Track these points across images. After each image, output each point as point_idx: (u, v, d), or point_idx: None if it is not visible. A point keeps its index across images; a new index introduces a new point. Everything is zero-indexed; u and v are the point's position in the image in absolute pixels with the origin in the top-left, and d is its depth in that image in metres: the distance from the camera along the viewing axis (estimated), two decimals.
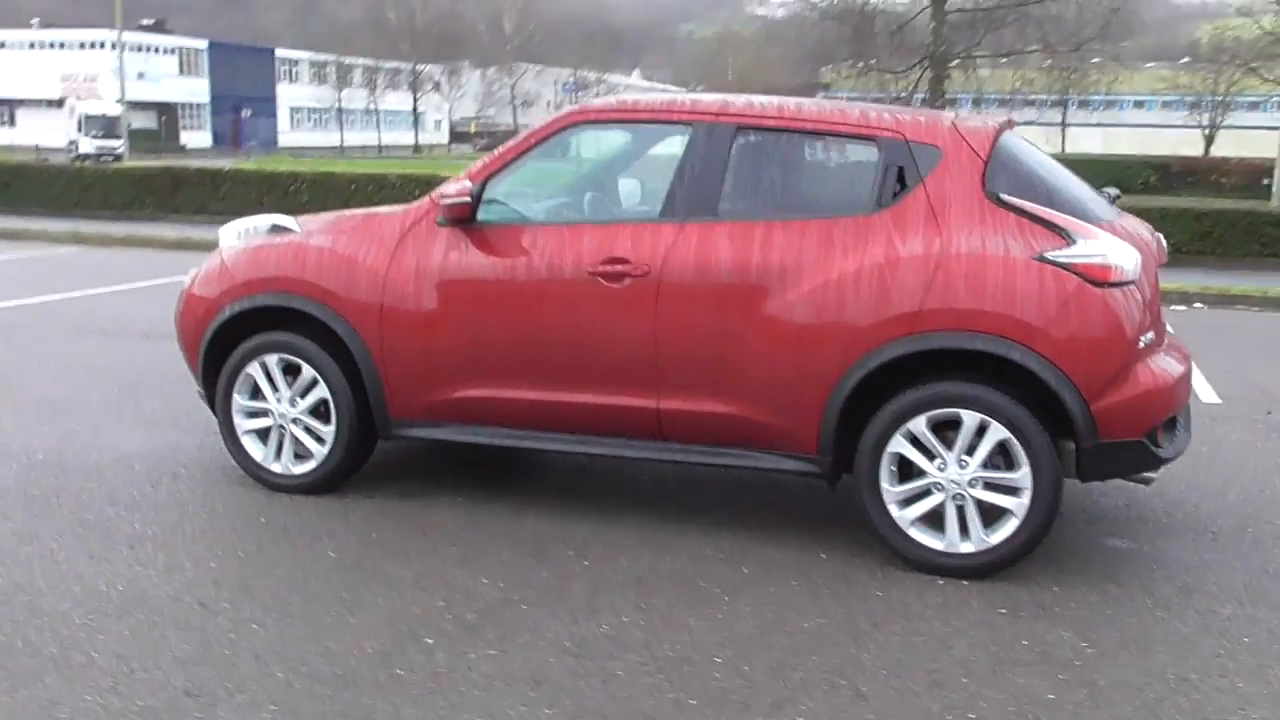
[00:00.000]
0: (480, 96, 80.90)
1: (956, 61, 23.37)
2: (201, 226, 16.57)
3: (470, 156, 59.42)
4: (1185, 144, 43.32)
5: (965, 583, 4.10)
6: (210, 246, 5.62)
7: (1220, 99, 45.06)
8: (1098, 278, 3.97)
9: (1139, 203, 15.05)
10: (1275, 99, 48.52)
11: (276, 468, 4.98)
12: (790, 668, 3.42)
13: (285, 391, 4.90)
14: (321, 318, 4.76)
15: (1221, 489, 5.25)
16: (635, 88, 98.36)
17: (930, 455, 4.13)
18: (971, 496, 4.10)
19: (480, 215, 4.59)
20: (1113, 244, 4.04)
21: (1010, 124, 4.64)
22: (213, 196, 18.76)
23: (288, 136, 70.25)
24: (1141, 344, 4.06)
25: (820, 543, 4.47)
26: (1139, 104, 53.83)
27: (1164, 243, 4.62)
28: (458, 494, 4.98)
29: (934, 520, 4.17)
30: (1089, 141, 46.86)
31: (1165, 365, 4.17)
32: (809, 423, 4.23)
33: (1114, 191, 4.78)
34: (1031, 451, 4.00)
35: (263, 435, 5.00)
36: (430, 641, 3.55)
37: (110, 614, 3.70)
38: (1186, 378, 4.28)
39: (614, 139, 4.96)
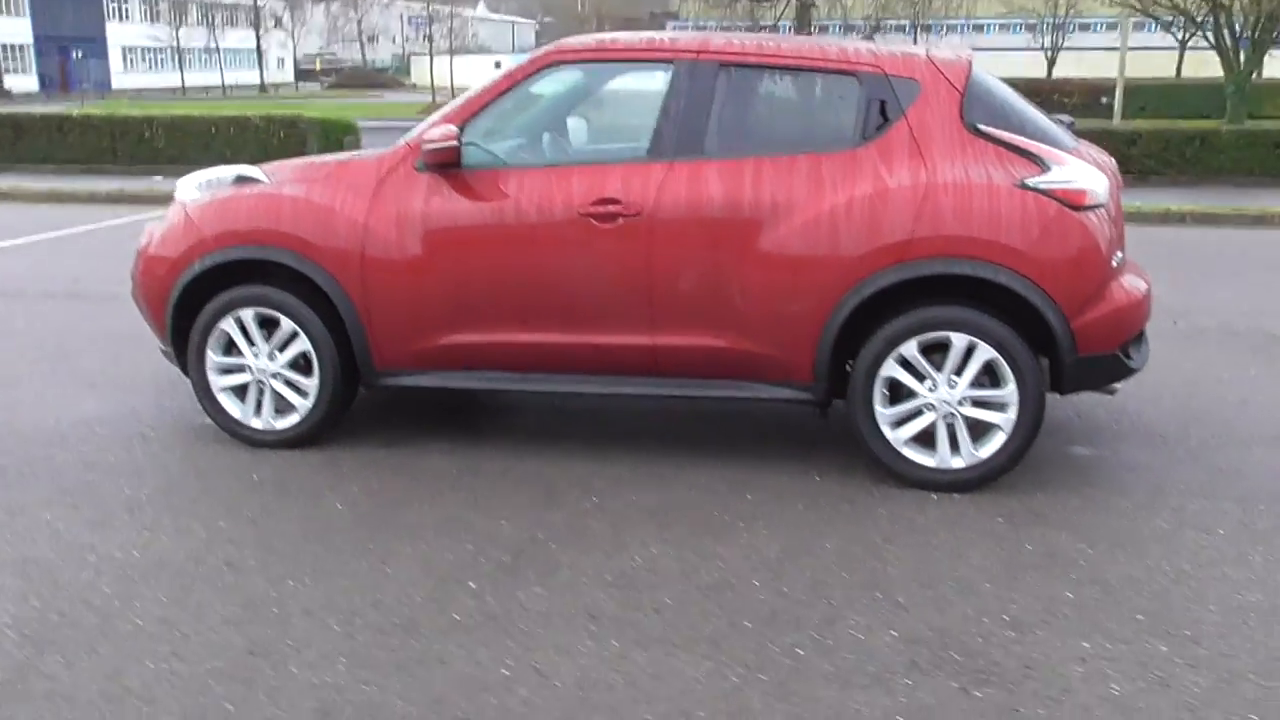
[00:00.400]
0: (325, 32, 78.24)
1: None
2: (54, 178, 15.78)
3: (318, 95, 57.77)
4: (1030, 66, 44.84)
5: (957, 496, 4.34)
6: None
7: (1056, 21, 46.73)
8: (1075, 202, 4.21)
9: None
10: (1103, 21, 50.54)
11: (257, 423, 4.91)
12: (826, 585, 3.60)
13: (263, 346, 4.83)
14: (300, 269, 4.69)
15: (1155, 396, 5.63)
16: (486, 19, 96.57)
17: (920, 377, 4.34)
18: (961, 415, 4.33)
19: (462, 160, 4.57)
20: (1084, 169, 4.28)
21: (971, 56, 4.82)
22: (60, 145, 17.70)
23: (122, 78, 66.55)
24: (1114, 263, 4.33)
25: (811, 467, 4.66)
26: (978, 28, 55.26)
27: (1116, 167, 4.89)
28: (444, 441, 5.00)
29: (925, 439, 4.39)
30: None
31: (1134, 283, 4.45)
32: (803, 352, 4.39)
33: (1069, 119, 5.02)
34: (1017, 369, 4.24)
35: (239, 391, 4.92)
36: (474, 585, 3.61)
37: (137, 580, 3.65)
38: (1149, 294, 4.57)
39: (592, 78, 4.96)
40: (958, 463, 4.37)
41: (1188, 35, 30.82)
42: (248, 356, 4.86)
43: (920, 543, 3.94)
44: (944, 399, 4.32)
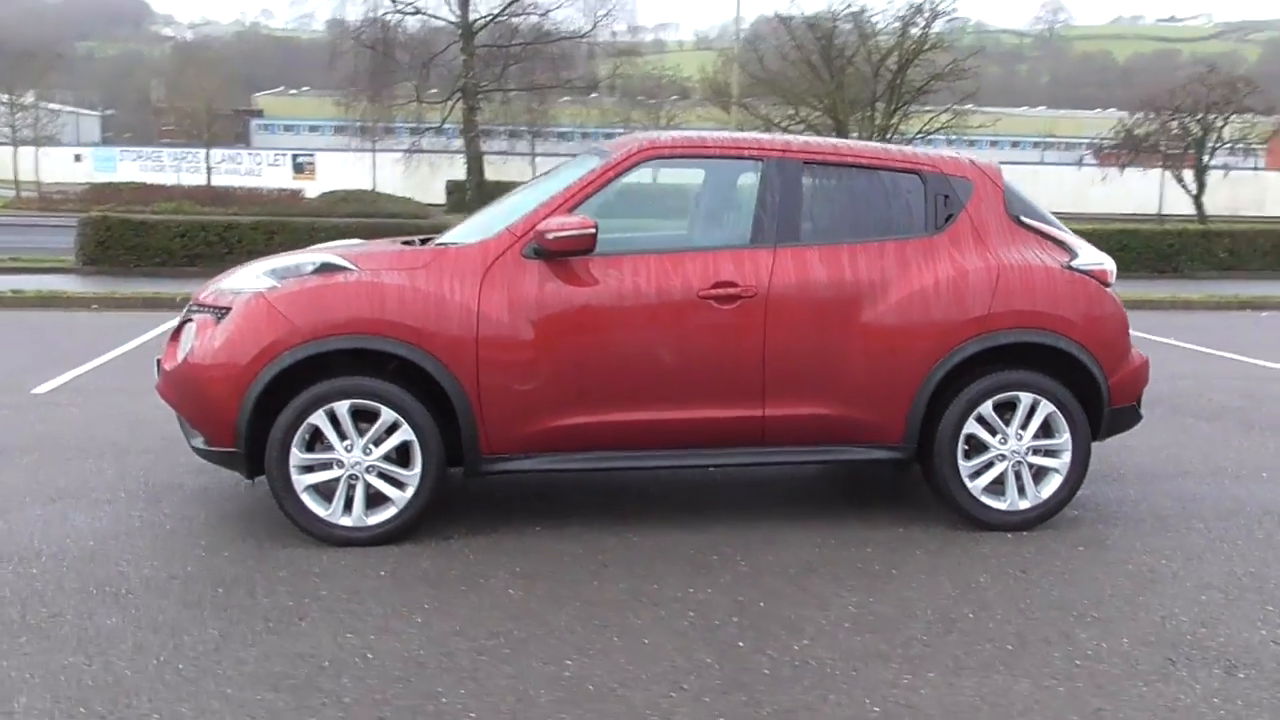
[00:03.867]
0: None
1: (484, 94, 24.57)
2: None
3: None
4: None
5: (1009, 535, 5.00)
6: None
7: (627, 130, 50.74)
8: (1104, 280, 5.11)
9: None
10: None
11: (346, 521, 4.70)
12: (1020, 614, 4.12)
13: (357, 439, 4.66)
14: (410, 357, 4.61)
15: None
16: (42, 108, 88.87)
17: (993, 432, 5.01)
18: (1027, 463, 5.04)
19: None
20: (1099, 252, 5.19)
21: None
22: None
23: None
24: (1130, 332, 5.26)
25: (893, 520, 5.17)
26: (586, 135, 58.66)
27: None
28: (542, 521, 5.02)
29: (995, 486, 5.05)
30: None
31: (1138, 349, 5.40)
32: (897, 415, 4.93)
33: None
34: (1071, 421, 5.02)
35: (322, 489, 4.69)
36: (742, 644, 3.79)
37: (409, 677, 3.49)
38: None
39: (681, 172, 5.26)
40: (1024, 504, 5.05)
41: None
42: (338, 450, 4.66)
43: (1058, 570, 4.56)
44: (1014, 450, 5.02)
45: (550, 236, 4.61)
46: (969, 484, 5.01)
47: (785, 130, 27.03)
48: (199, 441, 4.82)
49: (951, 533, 5.01)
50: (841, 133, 25.17)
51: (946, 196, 5.06)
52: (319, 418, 4.63)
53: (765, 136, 5.18)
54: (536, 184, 5.74)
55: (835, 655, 3.72)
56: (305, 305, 4.60)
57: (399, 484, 4.72)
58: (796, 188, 4.96)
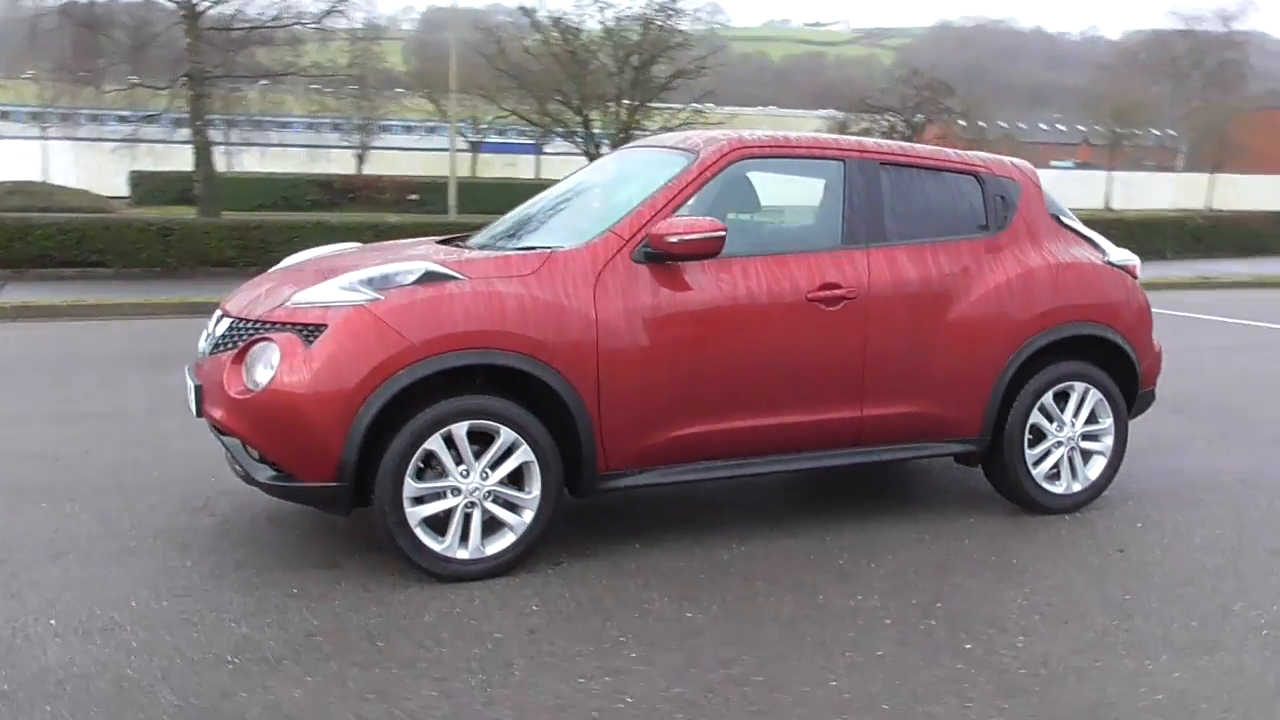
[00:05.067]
0: None
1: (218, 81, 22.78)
2: None
3: None
4: (343, 164, 46.52)
5: (1066, 517, 5.30)
6: None
7: (365, 122, 49.18)
8: (1134, 274, 5.47)
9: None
10: (404, 124, 54.40)
11: (463, 554, 4.31)
12: (1166, 589, 4.38)
13: (473, 463, 4.28)
14: (533, 371, 4.28)
15: None
16: None
17: (1050, 420, 5.26)
18: (1080, 448, 5.33)
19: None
20: (1124, 249, 5.56)
21: None
22: None
23: None
24: None
25: (940, 512, 5.32)
26: (284, 125, 55.86)
27: None
28: (641, 538, 4.79)
29: (1053, 472, 5.31)
30: (250, 161, 47.56)
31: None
32: (975, 409, 5.08)
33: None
34: (1115, 406, 5.36)
35: (433, 521, 4.28)
36: (969, 646, 3.80)
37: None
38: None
39: (770, 172, 5.11)
40: (1076, 487, 5.34)
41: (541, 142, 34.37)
42: (453, 477, 4.26)
43: (1155, 544, 4.86)
44: (1069, 436, 5.29)
45: (675, 240, 4.40)
46: (1034, 471, 5.23)
47: (532, 124, 26.94)
48: (266, 475, 4.26)
49: (1018, 520, 5.22)
50: (586, 128, 25.39)
51: (1003, 197, 5.25)
52: (435, 442, 4.20)
53: (837, 136, 5.17)
54: (584, 185, 5.49)
55: (1064, 649, 3.80)
56: (420, 319, 4.15)
57: (514, 509, 4.37)
58: (877, 188, 4.99)
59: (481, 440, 4.29)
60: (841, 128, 31.43)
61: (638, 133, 25.61)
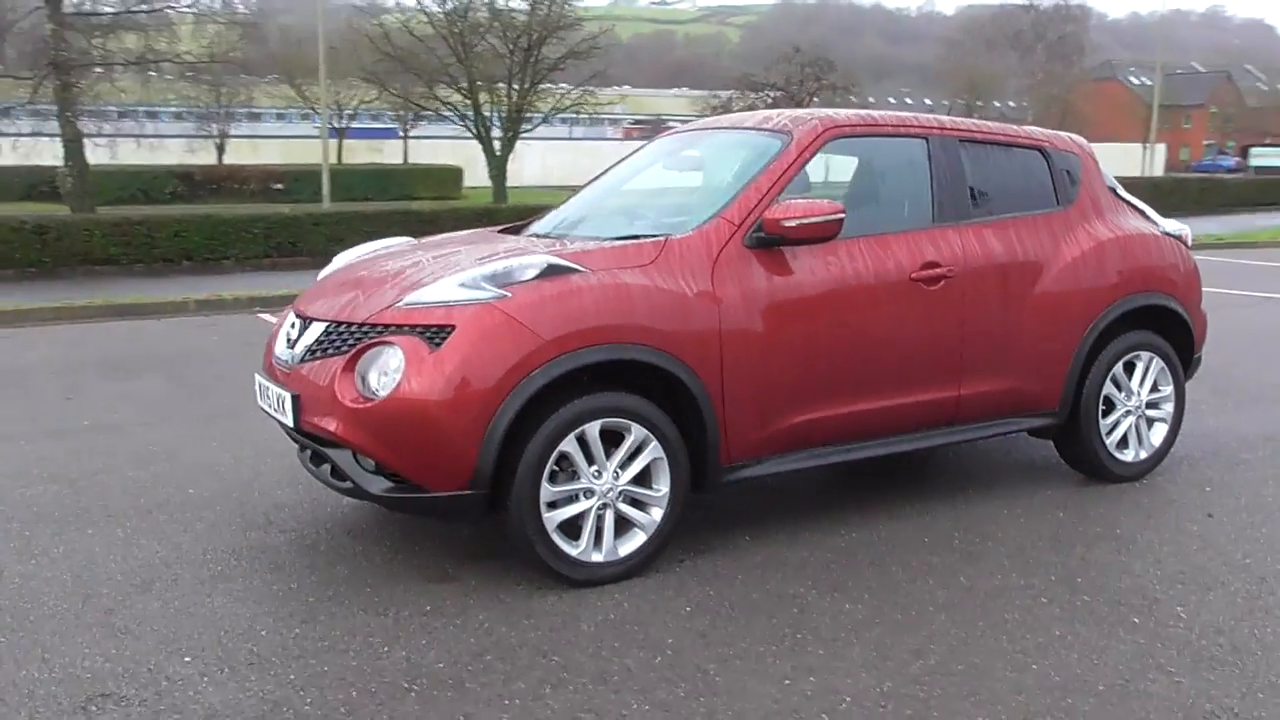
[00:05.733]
0: None
1: (86, 69, 21.44)
2: None
3: None
4: (203, 153, 44.54)
5: (1137, 484, 5.41)
6: None
7: (224, 110, 47.23)
8: (1187, 244, 5.59)
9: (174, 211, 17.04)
10: (264, 111, 52.56)
11: (598, 557, 4.14)
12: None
13: (606, 462, 4.11)
14: (663, 365, 4.13)
15: None
16: None
17: (1120, 390, 5.35)
18: (1146, 416, 5.43)
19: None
20: (1173, 220, 5.68)
21: None
22: None
23: None
24: None
25: (1012, 485, 5.37)
26: (151, 114, 53.18)
27: None
28: (753, 528, 4.68)
29: (1121, 442, 5.40)
30: (100, 153, 45.29)
31: None
32: (1055, 383, 5.13)
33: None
34: (1176, 374, 5.48)
35: (565, 525, 4.10)
36: (1137, 621, 3.83)
37: None
38: None
39: (860, 151, 5.01)
40: (1143, 454, 5.45)
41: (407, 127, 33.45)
42: (586, 479, 4.08)
43: (1235, 507, 4.98)
44: (1136, 405, 5.39)
45: (794, 224, 4.29)
46: (1106, 441, 5.31)
47: (422, 108, 26.31)
48: (381, 487, 4.01)
49: (1094, 490, 5.30)
50: (476, 111, 24.91)
51: (1068, 171, 5.30)
52: (569, 443, 4.02)
53: (916, 115, 5.11)
54: (647, 168, 5.33)
55: (1227, 617, 3.85)
56: (551, 315, 3.95)
57: (642, 507, 4.22)
58: (959, 165, 4.97)
59: (609, 439, 4.11)
60: (725, 107, 31.65)
61: (529, 115, 25.31)
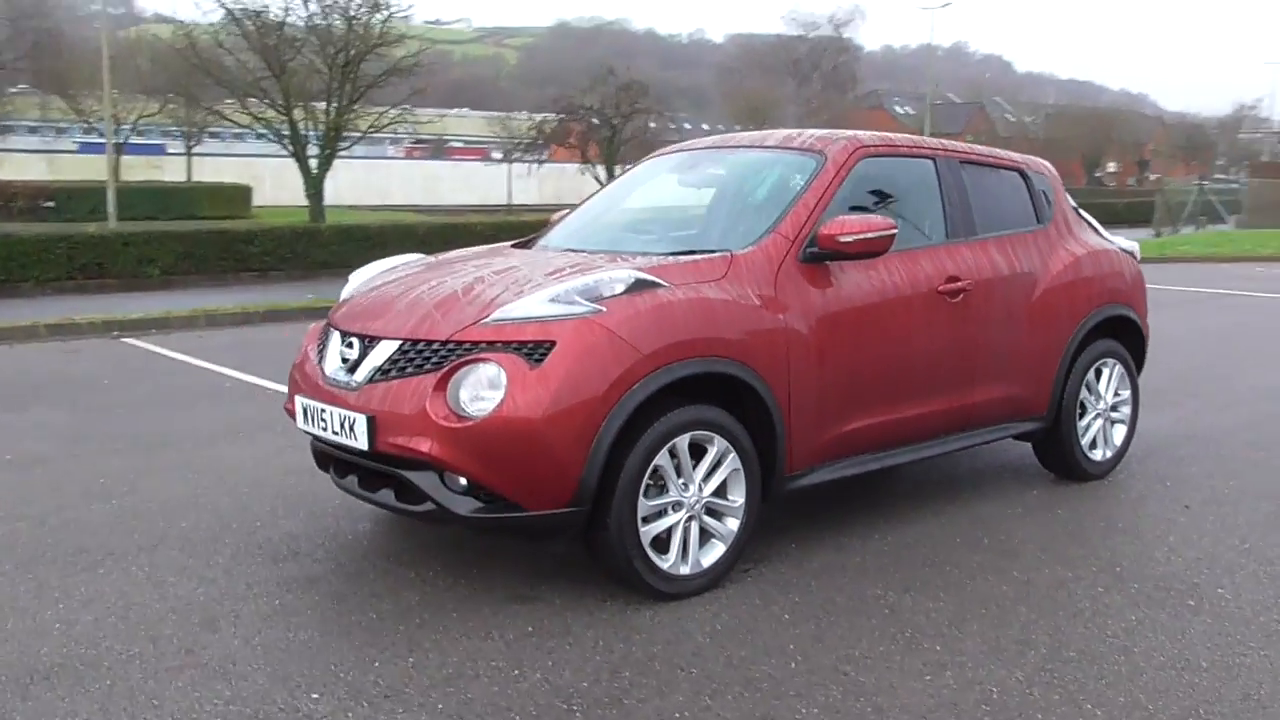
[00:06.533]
0: None
1: None
2: None
3: None
4: None
5: (1105, 481, 5.84)
6: None
7: None
8: (1137, 258, 6.09)
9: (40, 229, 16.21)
10: (24, 124, 49.11)
11: (685, 569, 4.18)
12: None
13: (692, 476, 4.16)
14: (743, 377, 4.22)
15: None
16: None
17: (1091, 394, 5.77)
18: (1111, 418, 5.88)
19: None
20: (1119, 236, 6.17)
21: None
22: None
23: None
24: None
25: (1005, 494, 5.71)
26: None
27: None
28: (780, 541, 4.79)
29: (1090, 443, 5.81)
30: None
31: None
32: (1045, 388, 5.49)
33: None
34: (1132, 378, 5.96)
35: (655, 540, 4.13)
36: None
37: None
38: None
39: (882, 170, 5.16)
40: (1109, 454, 5.89)
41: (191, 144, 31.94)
42: (675, 491, 4.12)
43: (1208, 500, 5.45)
44: (1104, 408, 5.82)
45: (850, 239, 4.45)
46: (1082, 441, 5.71)
47: (236, 125, 25.20)
48: (469, 508, 3.93)
49: (1069, 489, 5.68)
50: (292, 128, 24.04)
51: (1044, 192, 5.69)
52: (663, 457, 4.04)
53: (922, 137, 5.38)
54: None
55: (1268, 596, 4.24)
56: (646, 329, 3.97)
57: (719, 517, 4.28)
58: (962, 184, 5.27)
59: (699, 452, 4.17)
60: (539, 128, 31.76)
61: (349, 133, 24.69)
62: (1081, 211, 5.99)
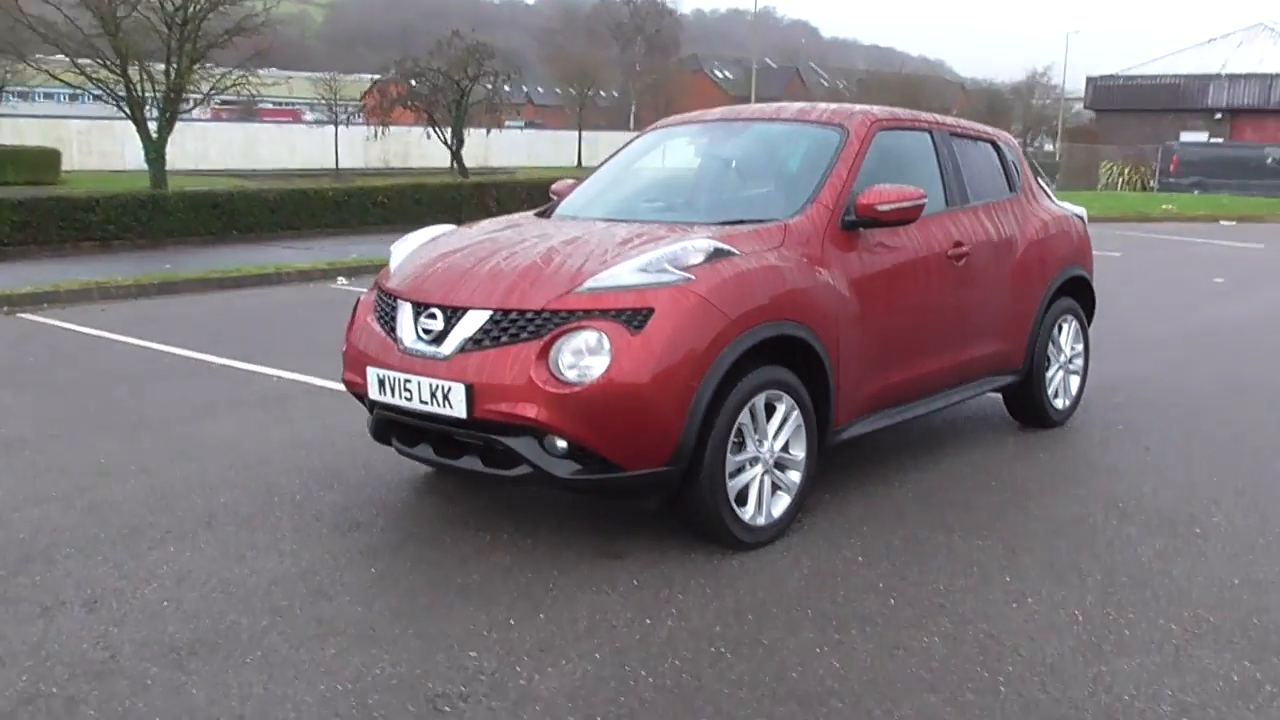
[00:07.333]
0: None
1: None
2: None
3: None
4: None
5: (1067, 428, 6.42)
6: None
7: None
8: (1085, 222, 6.67)
9: None
10: None
11: (761, 520, 4.48)
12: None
13: (767, 432, 4.46)
14: (807, 339, 4.52)
15: None
16: None
17: (1055, 348, 6.32)
18: (1068, 369, 6.45)
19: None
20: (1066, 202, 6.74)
21: None
22: None
23: None
24: None
25: (984, 447, 6.21)
26: None
27: None
28: (829, 480, 5.14)
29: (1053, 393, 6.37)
30: None
31: None
32: (1022, 344, 6.00)
33: None
34: (1085, 333, 6.55)
35: (737, 495, 4.41)
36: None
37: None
38: None
39: (893, 142, 5.44)
40: (1068, 403, 6.46)
41: None
42: (752, 447, 4.41)
43: (1182, 448, 6.07)
44: (1066, 359, 6.39)
45: (887, 208, 4.80)
46: (1048, 391, 6.26)
47: (68, 85, 23.70)
48: (569, 470, 4.13)
49: (1038, 437, 6.23)
50: (128, 90, 22.80)
51: (1014, 162, 6.18)
52: (744, 416, 4.32)
53: (917, 112, 5.75)
54: (688, 159, 5.61)
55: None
56: (732, 295, 4.23)
57: (784, 470, 4.59)
58: (954, 156, 5.68)
59: (770, 410, 4.46)
60: (380, 89, 31.05)
61: (190, 94, 23.66)
62: (1041, 180, 6.51)
